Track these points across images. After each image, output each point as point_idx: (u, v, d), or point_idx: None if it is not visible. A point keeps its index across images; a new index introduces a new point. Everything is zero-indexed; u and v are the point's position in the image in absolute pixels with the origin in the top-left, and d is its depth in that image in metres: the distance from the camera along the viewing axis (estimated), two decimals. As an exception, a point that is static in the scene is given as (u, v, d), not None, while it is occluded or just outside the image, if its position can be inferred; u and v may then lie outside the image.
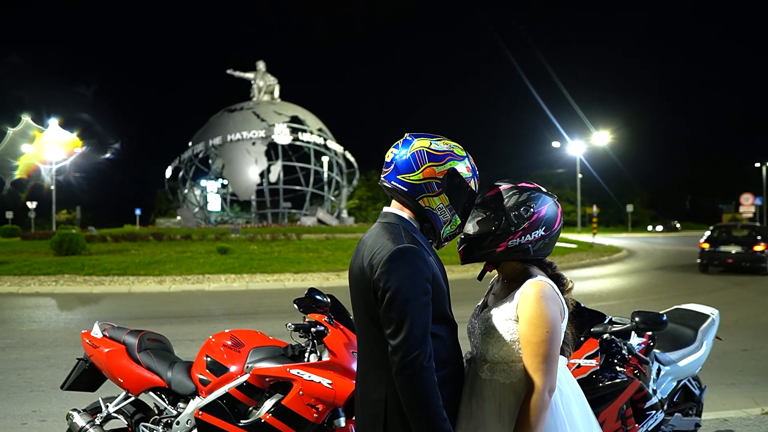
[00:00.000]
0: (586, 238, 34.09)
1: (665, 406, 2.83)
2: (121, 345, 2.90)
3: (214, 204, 38.26)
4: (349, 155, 35.74)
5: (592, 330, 2.53)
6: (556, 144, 46.71)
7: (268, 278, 13.61)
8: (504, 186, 1.72)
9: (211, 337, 2.79)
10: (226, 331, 2.81)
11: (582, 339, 2.52)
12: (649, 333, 2.70)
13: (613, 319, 2.67)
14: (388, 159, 1.68)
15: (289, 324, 2.54)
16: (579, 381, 2.34)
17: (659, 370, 2.91)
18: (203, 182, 38.04)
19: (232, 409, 2.54)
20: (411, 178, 1.61)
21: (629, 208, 41.31)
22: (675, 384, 3.00)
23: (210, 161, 36.37)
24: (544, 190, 1.74)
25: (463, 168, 1.65)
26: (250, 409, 2.55)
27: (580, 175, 43.91)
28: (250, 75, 36.35)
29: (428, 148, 1.63)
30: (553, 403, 1.58)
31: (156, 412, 2.81)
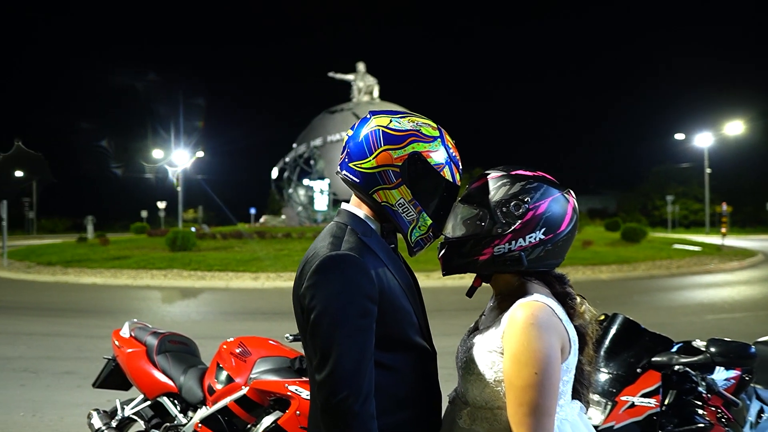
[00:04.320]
0: (714, 239, 30.49)
1: None
2: (142, 346, 2.83)
3: (321, 203, 39.63)
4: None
5: (653, 360, 1.98)
6: (680, 136, 42.41)
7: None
8: (493, 174, 1.31)
9: (223, 343, 2.62)
10: (240, 337, 2.62)
11: (639, 371, 1.98)
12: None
13: (696, 344, 2.09)
14: (344, 143, 1.35)
15: (288, 335, 2.28)
16: (633, 425, 1.83)
17: (762, 411, 2.25)
18: (306, 182, 39.56)
19: (231, 425, 2.33)
20: (362, 166, 1.27)
21: (769, 205, 36.31)
22: None
23: (312, 162, 37.71)
24: (550, 179, 1.30)
25: (433, 152, 1.27)
26: (249, 426, 2.32)
27: (708, 170, 39.40)
28: (350, 76, 37.09)
29: (385, 127, 1.27)
30: None
31: (170, 418, 2.70)
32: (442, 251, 1.33)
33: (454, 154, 1.31)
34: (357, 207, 1.32)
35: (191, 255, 17.18)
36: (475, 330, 1.34)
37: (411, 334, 1.26)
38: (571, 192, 1.30)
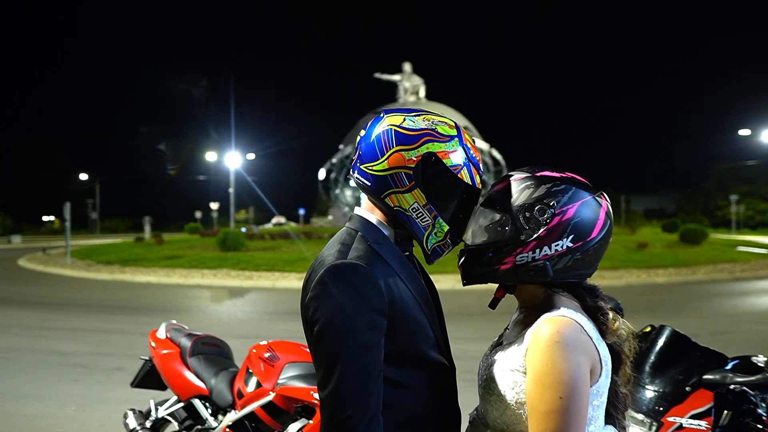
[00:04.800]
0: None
1: None
2: (177, 348, 2.85)
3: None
4: (495, 153, 34.61)
5: (705, 377, 1.80)
6: (745, 132, 40.00)
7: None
8: (517, 176, 1.20)
9: (253, 347, 2.60)
10: (269, 342, 2.59)
11: (688, 389, 1.80)
12: None
13: (756, 360, 1.89)
14: (356, 143, 1.27)
15: None
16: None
17: None
18: (353, 183, 39.85)
19: (257, 431, 2.30)
20: (374, 168, 1.19)
21: None
22: None
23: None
24: (581, 180, 1.18)
25: (450, 152, 1.17)
26: None
27: (776, 168, 36.99)
28: (396, 77, 37.10)
29: (398, 126, 1.18)
30: None
31: (201, 420, 2.70)
32: (462, 259, 1.24)
33: (473, 155, 1.21)
34: (370, 212, 1.24)
35: (240, 255, 17.60)
36: (498, 345, 1.24)
37: (425, 349, 1.17)
38: (604, 195, 1.18)
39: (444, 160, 1.16)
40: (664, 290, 11.98)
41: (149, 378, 3.01)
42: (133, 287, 13.32)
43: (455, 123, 1.23)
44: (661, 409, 1.80)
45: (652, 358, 1.90)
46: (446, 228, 1.20)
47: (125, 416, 2.79)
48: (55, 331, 7.85)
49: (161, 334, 3.01)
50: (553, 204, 1.12)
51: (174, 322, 3.14)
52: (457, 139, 1.19)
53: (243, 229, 27.67)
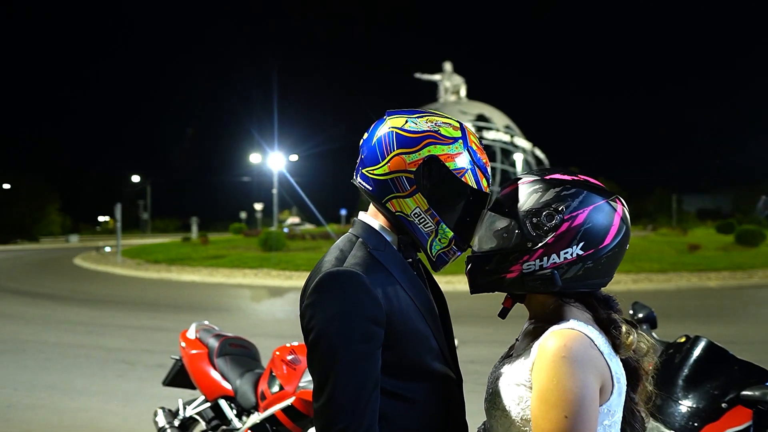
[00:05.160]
0: None
1: None
2: (205, 348, 2.89)
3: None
4: (538, 152, 33.92)
5: (743, 394, 1.67)
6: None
7: (444, 279, 13.46)
8: (525, 179, 1.14)
9: (276, 349, 2.60)
10: (292, 344, 2.59)
11: (725, 406, 1.68)
12: None
13: None
14: (359, 147, 1.24)
15: None
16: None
17: None
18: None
19: None
20: (375, 172, 1.15)
21: None
22: None
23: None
24: (594, 184, 1.10)
25: (453, 155, 1.12)
26: None
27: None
28: (437, 77, 36.92)
29: (399, 128, 1.14)
30: None
31: (227, 421, 2.73)
32: (468, 266, 1.18)
33: (479, 158, 1.15)
34: (373, 217, 1.21)
35: (281, 255, 17.90)
36: (507, 357, 1.18)
37: (427, 360, 1.13)
38: (620, 200, 1.10)
39: (447, 163, 1.12)
40: (716, 295, 11.40)
41: (179, 377, 3.07)
42: (179, 286, 13.75)
43: (461, 124, 1.18)
44: (695, 425, 1.68)
45: (686, 371, 1.78)
46: (450, 234, 1.15)
47: (155, 414, 2.85)
48: (104, 328, 8.18)
49: (191, 334, 3.06)
50: (562, 209, 1.05)
51: (206, 322, 3.20)
52: (461, 141, 1.14)
53: (285, 230, 28.16)
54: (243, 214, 56.86)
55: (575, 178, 1.11)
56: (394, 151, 1.13)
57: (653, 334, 2.21)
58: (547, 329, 1.05)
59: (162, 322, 8.66)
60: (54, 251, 31.31)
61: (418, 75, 37.07)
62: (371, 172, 1.15)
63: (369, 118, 1.17)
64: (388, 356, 1.07)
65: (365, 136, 1.21)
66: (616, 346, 1.04)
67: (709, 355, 1.79)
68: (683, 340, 1.90)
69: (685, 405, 1.72)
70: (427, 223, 1.14)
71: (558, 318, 1.07)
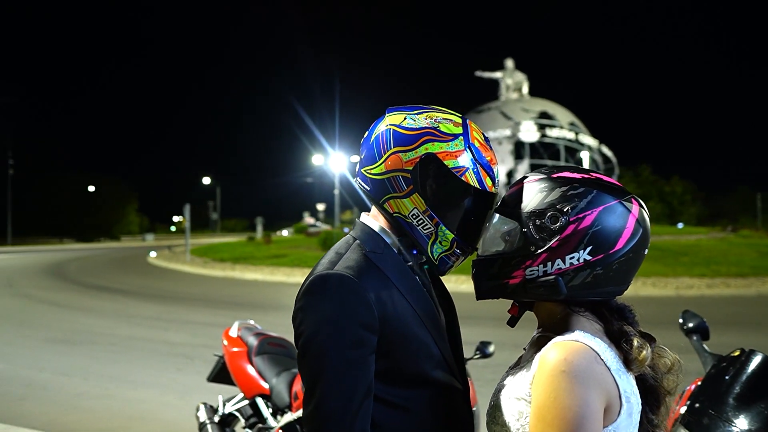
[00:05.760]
0: None
1: None
2: (245, 346, 2.95)
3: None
4: (606, 149, 32.49)
5: None
6: None
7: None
8: (532, 177, 1.06)
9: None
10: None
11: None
12: None
13: None
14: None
15: None
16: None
17: None
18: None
19: None
20: (372, 171, 1.11)
21: None
22: None
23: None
24: (607, 182, 1.01)
25: (452, 153, 1.06)
26: None
27: None
28: (498, 74, 36.17)
29: (397, 126, 1.10)
30: None
31: (263, 419, 2.77)
32: (474, 271, 1.12)
33: (483, 155, 1.08)
34: (374, 219, 1.16)
35: (340, 255, 18.13)
36: (515, 365, 1.10)
37: (427, 368, 1.07)
38: (637, 200, 1.00)
39: (445, 162, 1.05)
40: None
41: (222, 374, 3.14)
42: (242, 284, 14.24)
43: (464, 120, 1.11)
44: (747, 449, 1.51)
45: (738, 388, 1.60)
46: (451, 236, 1.09)
47: (197, 409, 2.94)
48: (169, 323, 8.59)
49: (233, 332, 3.13)
50: (568, 210, 0.97)
51: (250, 321, 3.26)
52: (461, 137, 1.07)
53: (346, 230, 28.53)
54: (306, 214, 58.17)
55: (586, 176, 1.01)
56: (390, 149, 1.08)
57: (704, 346, 2.02)
58: (552, 337, 0.97)
59: (223, 319, 8.98)
60: (131, 249, 33.38)
61: (478, 73, 36.46)
62: (369, 171, 1.11)
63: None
64: (384, 363, 1.03)
65: (366, 134, 1.17)
66: (628, 361, 0.94)
67: (765, 372, 1.61)
68: (737, 353, 1.72)
69: (737, 427, 1.55)
70: (426, 224, 1.08)
71: (564, 328, 0.98)
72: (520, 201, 1.03)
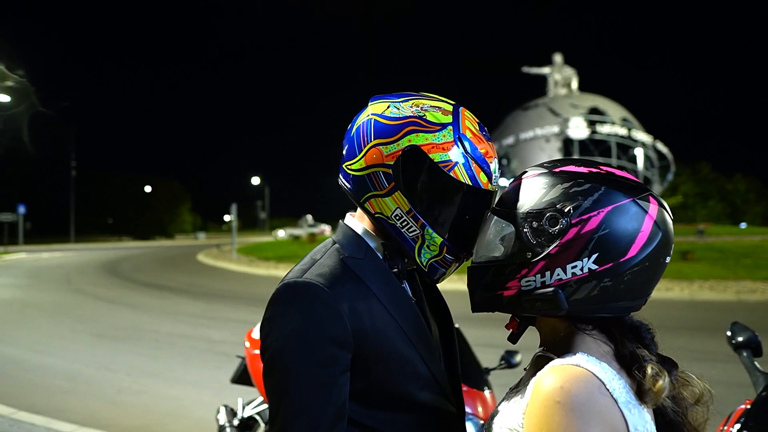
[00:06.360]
0: None
1: None
2: (266, 349, 2.90)
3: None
4: (661, 146, 31.02)
5: None
6: None
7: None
8: (531, 173, 0.92)
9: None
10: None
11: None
12: None
13: None
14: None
15: None
16: None
17: None
18: (502, 182, 38.77)
19: None
20: (352, 167, 0.99)
21: None
22: None
23: (505, 161, 36.77)
24: (619, 178, 0.85)
25: (439, 145, 0.93)
26: None
27: None
28: (546, 70, 35.15)
29: (379, 115, 0.97)
30: None
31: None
32: (467, 280, 0.98)
33: (476, 147, 0.95)
34: (358, 220, 1.05)
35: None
36: (515, 388, 0.96)
37: (412, 389, 0.94)
38: (656, 198, 0.84)
39: (431, 155, 0.93)
40: None
41: (245, 376, 3.11)
42: (284, 282, 14.40)
43: (455, 108, 0.98)
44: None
45: None
46: (439, 240, 0.96)
47: (218, 411, 2.91)
48: (212, 320, 8.75)
49: (255, 334, 3.08)
50: (569, 210, 0.82)
51: None
52: (450, 127, 0.94)
53: None
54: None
55: (594, 170, 0.86)
56: (370, 141, 0.96)
57: (756, 363, 1.79)
58: (552, 358, 0.83)
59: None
60: (183, 248, 34.53)
61: (525, 69, 35.54)
62: (349, 167, 1.00)
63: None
64: (361, 382, 0.91)
65: (349, 126, 1.05)
66: (642, 392, 0.79)
67: None
68: None
69: None
70: (411, 226, 0.96)
71: (565, 349, 0.84)
72: (517, 199, 0.89)
